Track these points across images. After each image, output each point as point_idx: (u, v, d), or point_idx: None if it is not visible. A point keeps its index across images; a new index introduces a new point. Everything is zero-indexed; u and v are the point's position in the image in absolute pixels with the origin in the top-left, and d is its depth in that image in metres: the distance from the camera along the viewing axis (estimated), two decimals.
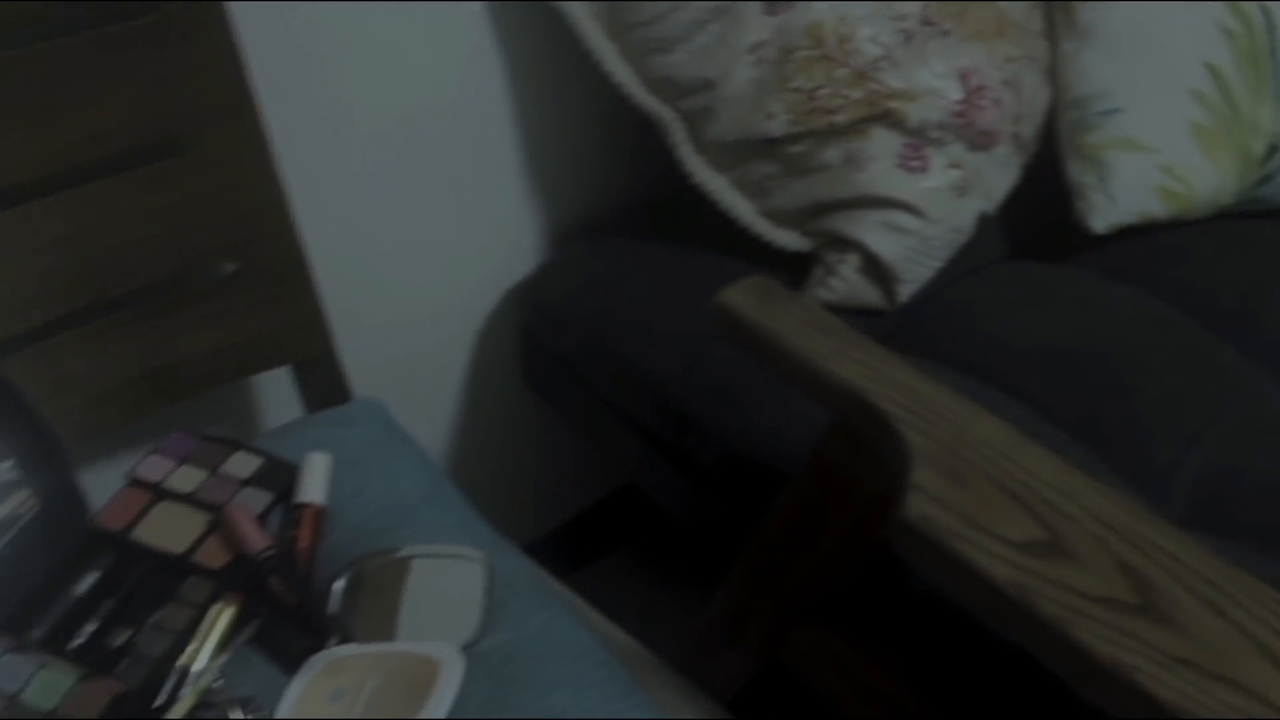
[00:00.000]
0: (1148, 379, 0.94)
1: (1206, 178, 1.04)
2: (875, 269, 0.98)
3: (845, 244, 0.98)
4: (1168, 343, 0.97)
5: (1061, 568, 0.63)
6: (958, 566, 0.64)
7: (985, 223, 1.06)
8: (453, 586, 0.77)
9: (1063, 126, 1.06)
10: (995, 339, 0.97)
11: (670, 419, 0.95)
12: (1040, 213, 1.10)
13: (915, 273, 0.99)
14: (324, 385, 0.93)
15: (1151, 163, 1.03)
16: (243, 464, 0.83)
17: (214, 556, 0.76)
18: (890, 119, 0.96)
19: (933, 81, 0.97)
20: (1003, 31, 1.02)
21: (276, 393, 1.02)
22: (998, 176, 1.03)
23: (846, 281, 0.98)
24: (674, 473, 1.00)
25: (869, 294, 0.99)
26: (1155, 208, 1.04)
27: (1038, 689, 0.76)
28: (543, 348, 1.07)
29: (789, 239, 1.00)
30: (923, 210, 0.97)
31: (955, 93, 0.98)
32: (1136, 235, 1.06)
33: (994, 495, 0.67)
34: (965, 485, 0.67)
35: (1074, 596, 0.62)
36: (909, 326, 0.99)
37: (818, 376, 0.75)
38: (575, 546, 1.38)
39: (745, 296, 0.80)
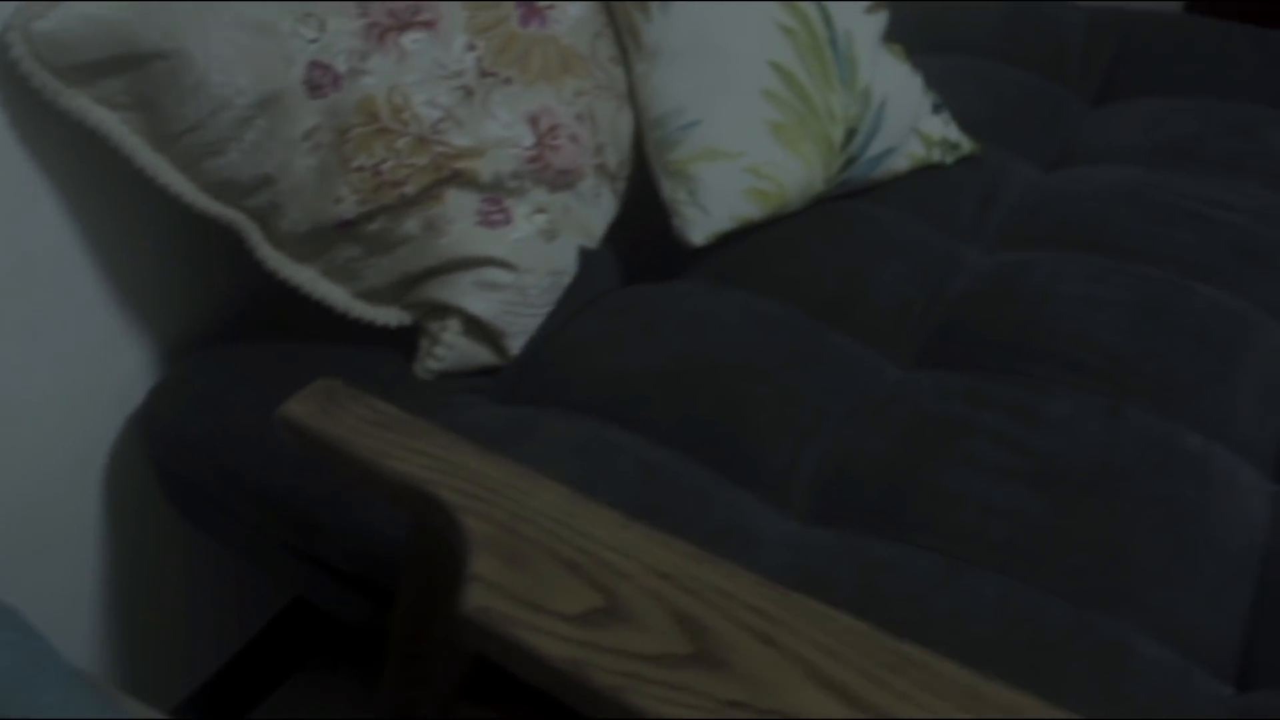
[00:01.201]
0: (758, 383, 0.96)
1: (793, 172, 1.07)
2: (479, 329, 0.97)
3: (444, 310, 0.97)
4: (776, 342, 0.99)
5: (618, 632, 0.63)
6: (518, 652, 0.63)
7: (595, 255, 1.07)
8: None
9: (650, 147, 1.07)
10: (610, 372, 0.97)
11: (296, 527, 0.92)
12: (663, 231, 1.12)
13: (521, 324, 0.99)
14: None
15: (737, 167, 1.05)
16: None
17: None
18: (462, 179, 0.95)
19: (501, 132, 0.97)
20: (569, 68, 1.03)
21: None
22: (591, 210, 1.04)
23: (453, 347, 0.97)
24: (326, 579, 0.97)
25: (480, 354, 0.98)
26: (750, 210, 1.06)
27: None
28: (173, 474, 1.02)
29: (390, 315, 0.98)
30: (513, 263, 0.97)
31: (527, 139, 0.98)
32: (743, 238, 1.09)
33: (552, 569, 0.66)
34: (524, 565, 0.67)
35: (630, 660, 0.62)
36: (529, 376, 0.99)
37: (380, 475, 0.73)
38: (263, 668, 1.34)
39: (305, 405, 0.77)
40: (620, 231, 1.11)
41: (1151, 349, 0.97)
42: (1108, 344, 0.97)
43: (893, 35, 1.38)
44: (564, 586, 0.65)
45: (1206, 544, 0.84)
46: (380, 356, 0.99)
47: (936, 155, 1.18)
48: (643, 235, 1.11)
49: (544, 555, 0.67)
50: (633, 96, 1.08)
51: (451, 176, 0.95)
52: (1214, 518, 0.85)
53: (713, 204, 1.05)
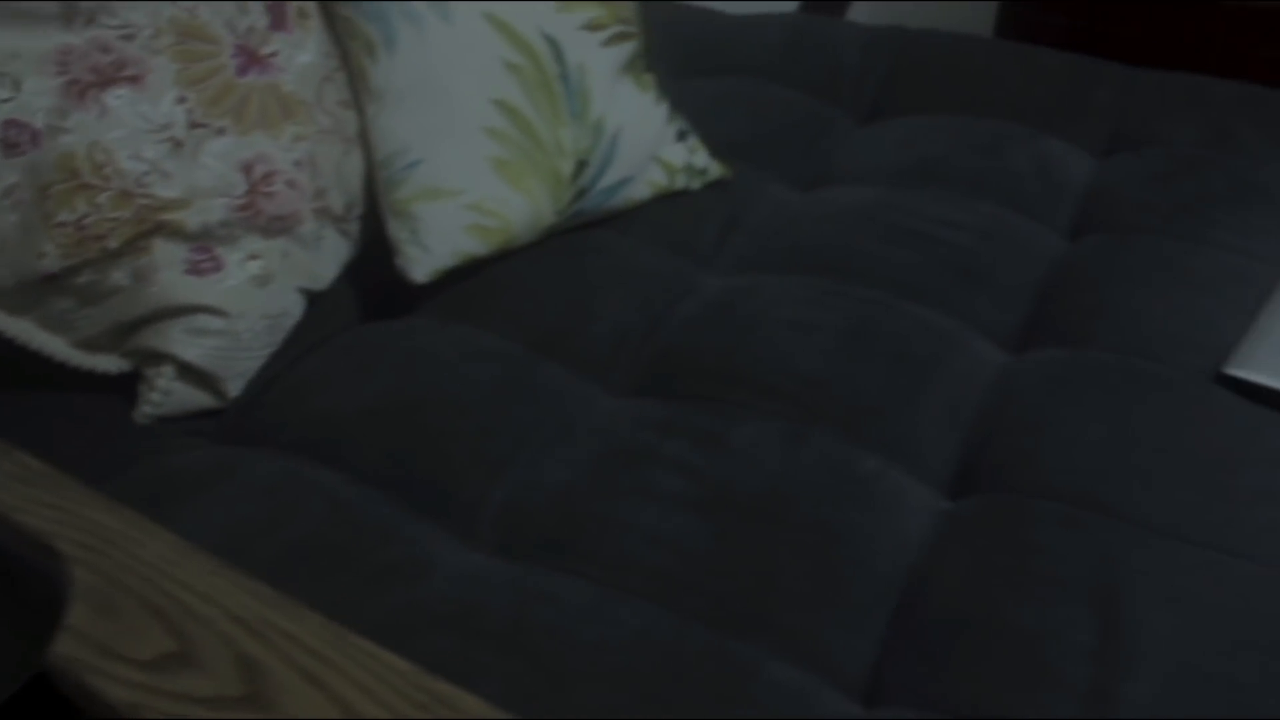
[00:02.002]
0: (460, 418, 0.99)
1: (519, 207, 1.10)
2: (194, 374, 1.01)
3: (158, 357, 1.00)
4: (485, 376, 1.02)
5: (183, 677, 0.66)
6: (91, 698, 0.66)
7: (331, 295, 1.10)
8: None
9: (377, 188, 1.10)
10: (321, 412, 1.00)
11: None
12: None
13: (237, 367, 1.02)
14: None
15: (458, 205, 1.08)
16: None
17: None
18: (167, 230, 0.98)
19: (210, 182, 1.00)
20: (291, 114, 1.06)
21: None
22: (313, 253, 1.07)
23: (168, 393, 1.00)
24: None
25: (198, 398, 1.02)
26: (473, 246, 1.09)
27: None
28: None
29: (108, 363, 1.01)
30: (225, 309, 1.00)
31: (239, 187, 1.01)
32: (474, 272, 1.12)
33: (140, 617, 0.69)
34: (114, 614, 0.70)
35: (185, 704, 0.65)
36: (248, 417, 1.02)
37: (10, 527, 0.76)
38: None
39: None
40: (365, 270, 1.14)
41: (846, 373, 1.00)
42: (805, 369, 1.00)
43: (679, 59, 1.41)
44: (144, 633, 0.68)
45: (856, 567, 0.86)
46: (101, 402, 1.02)
47: (681, 182, 1.21)
48: (384, 274, 1.14)
49: (135, 603, 0.70)
50: (364, 139, 1.11)
51: (156, 228, 0.98)
52: (869, 540, 0.88)
53: (434, 242, 1.08)
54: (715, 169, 1.23)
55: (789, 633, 0.82)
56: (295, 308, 1.06)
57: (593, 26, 1.17)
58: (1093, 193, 1.23)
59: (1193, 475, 0.93)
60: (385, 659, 0.66)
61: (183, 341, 0.99)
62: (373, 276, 1.13)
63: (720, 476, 0.92)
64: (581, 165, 1.13)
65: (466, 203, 1.08)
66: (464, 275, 1.11)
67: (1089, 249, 1.15)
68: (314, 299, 1.09)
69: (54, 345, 1.01)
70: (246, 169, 1.02)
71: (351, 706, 0.64)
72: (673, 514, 0.90)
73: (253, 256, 1.02)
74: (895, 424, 0.97)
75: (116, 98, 0.98)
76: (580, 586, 0.86)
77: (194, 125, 1.01)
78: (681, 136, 1.22)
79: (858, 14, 1.93)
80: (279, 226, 1.03)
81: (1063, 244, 1.18)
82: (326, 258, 1.09)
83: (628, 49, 1.20)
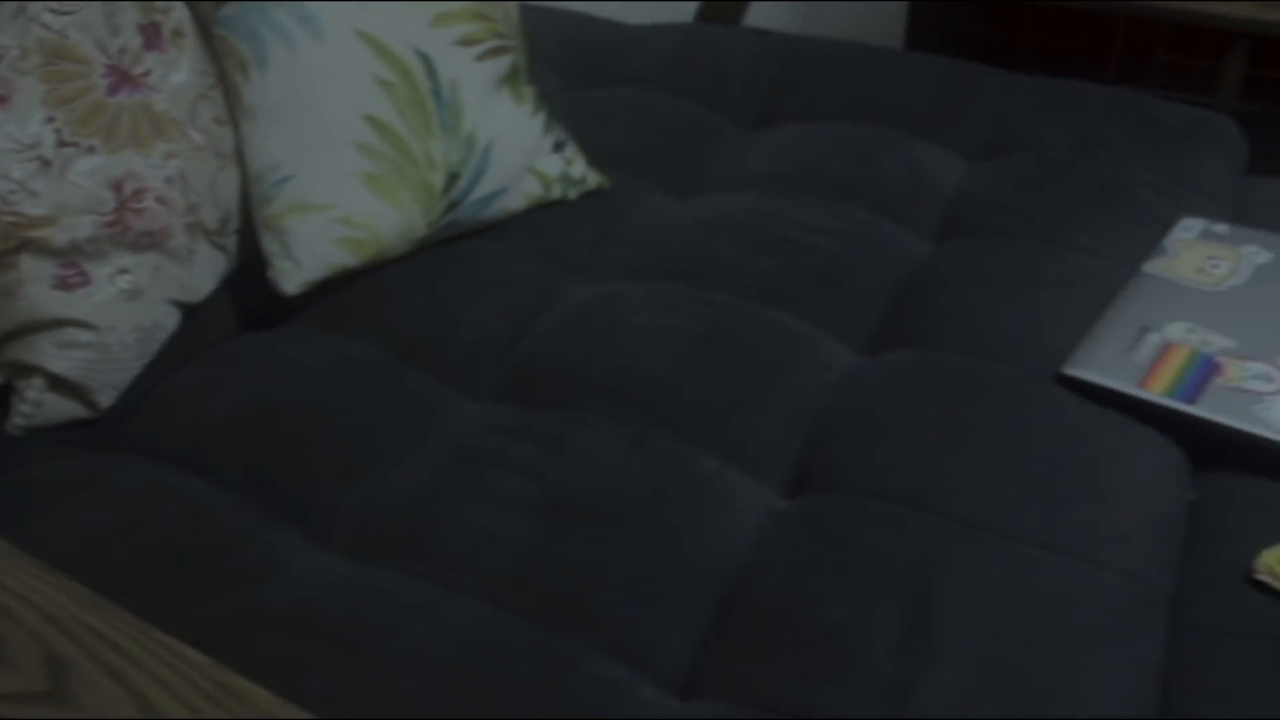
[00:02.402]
0: (321, 426, 1.02)
1: (389, 220, 1.14)
2: (64, 386, 1.04)
3: (28, 370, 1.03)
4: (349, 385, 1.05)
5: None
6: None
7: (211, 307, 1.13)
8: None
9: (251, 203, 1.14)
10: (189, 421, 1.03)
11: None
12: None
13: (108, 379, 1.05)
14: None
15: (328, 219, 1.12)
16: None
17: None
18: (34, 246, 1.01)
19: (79, 200, 1.03)
20: (162, 132, 1.09)
21: None
22: (185, 267, 1.10)
23: (39, 404, 1.03)
24: None
25: (69, 409, 1.05)
26: (343, 258, 1.12)
27: None
28: None
29: None
30: (93, 323, 1.03)
31: (108, 204, 1.04)
32: (350, 283, 1.15)
33: None
34: None
35: None
36: (121, 426, 1.05)
37: None
38: None
39: None
40: (245, 283, 1.17)
41: (692, 377, 1.03)
42: (653, 374, 1.03)
43: (576, 69, 1.44)
44: None
45: (682, 565, 0.89)
46: None
47: (557, 192, 1.24)
48: (263, 287, 1.17)
49: None
50: (240, 155, 1.15)
51: (22, 245, 1.01)
52: (697, 540, 0.91)
53: (304, 255, 1.11)
54: (593, 179, 1.27)
55: (610, 629, 0.86)
56: (168, 320, 1.09)
57: (467, 41, 1.20)
58: (961, 197, 1.26)
59: (1019, 473, 0.96)
60: (186, 654, 0.69)
61: (52, 354, 1.02)
62: (252, 289, 1.16)
63: (561, 479, 0.95)
64: (453, 178, 1.16)
65: (336, 216, 1.12)
66: (339, 286, 1.15)
67: (949, 252, 1.18)
68: (191, 311, 1.13)
69: None
70: (116, 186, 1.05)
71: (150, 701, 0.67)
72: (512, 516, 0.93)
73: (122, 271, 1.06)
74: (737, 426, 1.00)
75: None
76: (417, 586, 0.89)
77: (62, 144, 1.04)
78: (558, 147, 1.25)
79: (771, 17, 1.95)
80: (148, 241, 1.07)
81: (927, 248, 1.21)
82: (201, 271, 1.12)
83: (505, 62, 1.23)
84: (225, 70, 1.14)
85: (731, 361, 1.04)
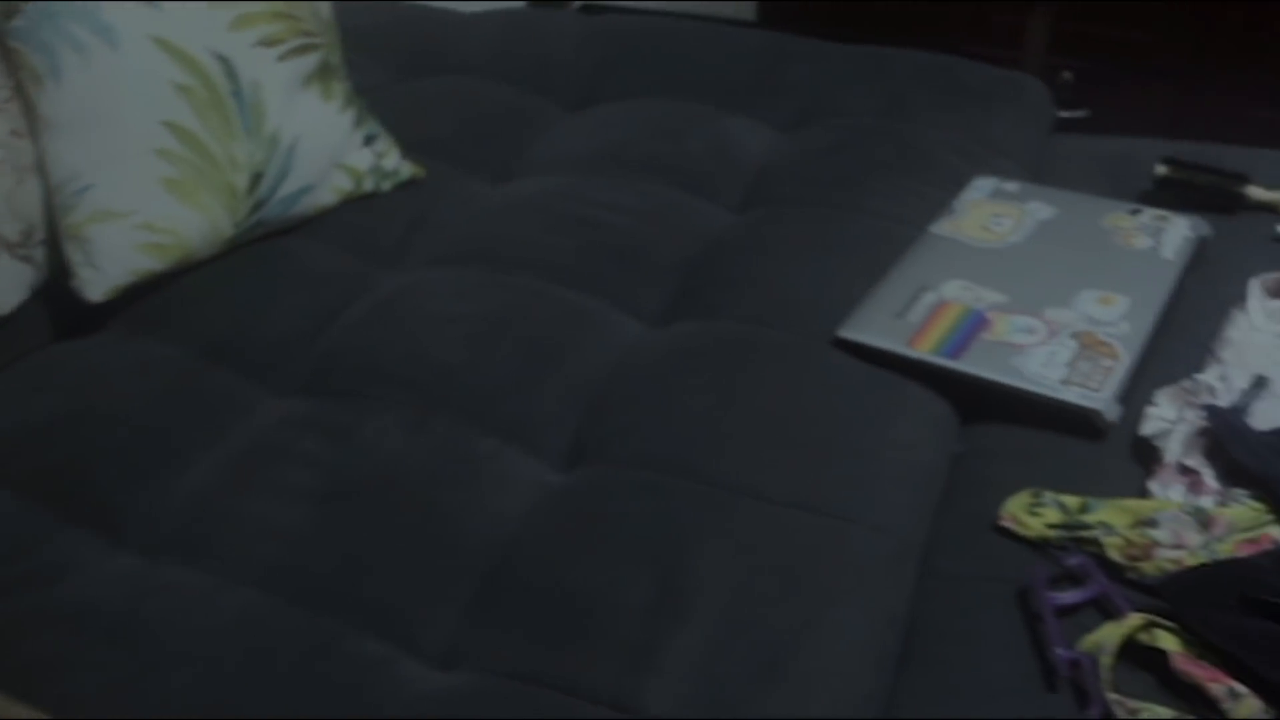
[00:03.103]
0: (120, 429, 1.05)
1: (192, 223, 1.16)
2: None
3: None
4: (151, 387, 1.08)
5: None
6: None
7: (22, 318, 1.16)
8: None
9: (53, 214, 1.16)
10: None
11: None
12: None
13: None
14: None
15: (129, 225, 1.14)
16: None
17: None
18: None
19: None
20: None
21: None
22: None
23: None
24: None
25: None
26: (148, 263, 1.15)
27: None
28: None
29: None
30: None
31: None
32: (163, 286, 1.17)
33: None
34: None
35: None
36: None
37: None
38: None
39: None
40: (58, 293, 1.19)
41: (477, 360, 1.06)
42: (439, 359, 1.06)
43: (404, 60, 1.46)
44: None
45: (449, 543, 0.93)
46: None
47: (369, 185, 1.27)
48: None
49: None
50: (41, 167, 1.17)
51: None
52: (467, 517, 0.94)
53: (106, 262, 1.14)
54: (406, 169, 1.29)
55: (375, 608, 0.89)
56: None
57: (269, 42, 1.22)
58: (766, 168, 1.29)
59: (784, 436, 0.99)
60: None
61: None
62: (66, 298, 1.19)
63: (342, 467, 0.98)
64: (257, 178, 1.19)
65: (138, 222, 1.14)
66: (150, 290, 1.17)
67: (746, 223, 1.21)
68: (0, 324, 1.15)
69: None
70: None
71: None
72: (292, 506, 0.96)
73: None
74: (517, 406, 1.03)
75: None
76: (196, 578, 0.92)
77: None
78: (369, 141, 1.28)
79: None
80: None
81: (729, 219, 1.24)
82: (4, 284, 1.14)
83: (311, 60, 1.25)
84: (20, 83, 1.16)
85: (518, 342, 1.07)
